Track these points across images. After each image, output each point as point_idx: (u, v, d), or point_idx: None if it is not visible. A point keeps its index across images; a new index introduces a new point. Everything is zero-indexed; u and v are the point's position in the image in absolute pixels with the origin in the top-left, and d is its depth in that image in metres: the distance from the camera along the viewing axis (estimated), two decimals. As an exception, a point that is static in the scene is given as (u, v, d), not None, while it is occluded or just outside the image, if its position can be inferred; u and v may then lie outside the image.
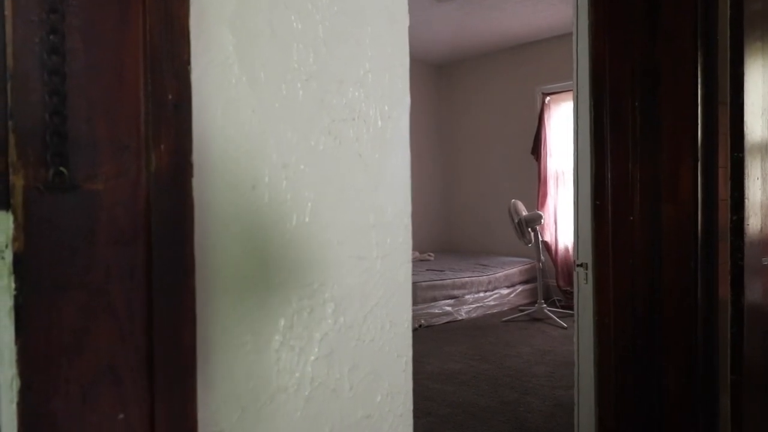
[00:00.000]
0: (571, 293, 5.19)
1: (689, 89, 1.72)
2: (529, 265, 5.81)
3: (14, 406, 0.38)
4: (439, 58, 6.74)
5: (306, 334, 0.59)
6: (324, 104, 0.60)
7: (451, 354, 3.95)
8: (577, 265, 1.94)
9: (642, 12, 1.79)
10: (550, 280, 5.72)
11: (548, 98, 5.82)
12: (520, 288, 5.69)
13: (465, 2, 4.81)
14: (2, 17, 0.38)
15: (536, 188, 5.89)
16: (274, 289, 0.56)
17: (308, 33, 0.58)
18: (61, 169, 0.40)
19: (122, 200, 0.43)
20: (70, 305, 0.41)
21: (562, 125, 5.73)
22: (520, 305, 5.51)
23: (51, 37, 0.40)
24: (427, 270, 5.38)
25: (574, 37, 1.93)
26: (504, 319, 5.00)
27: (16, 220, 0.38)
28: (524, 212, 5.18)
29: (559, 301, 5.40)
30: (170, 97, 0.45)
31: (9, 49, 0.38)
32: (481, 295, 5.29)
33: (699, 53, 1.71)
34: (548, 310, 4.99)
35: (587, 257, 1.90)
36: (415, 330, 4.39)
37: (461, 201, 6.91)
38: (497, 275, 5.48)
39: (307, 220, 0.59)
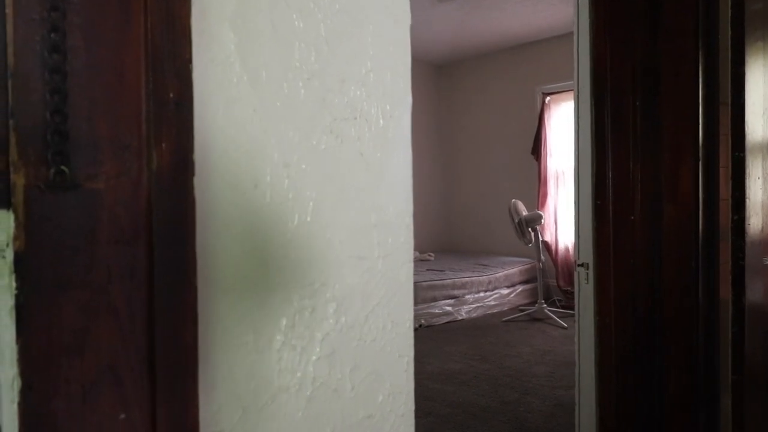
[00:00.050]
0: (572, 293, 5.19)
1: (690, 89, 1.72)
2: (529, 265, 5.81)
3: (15, 406, 0.38)
4: (439, 58, 6.74)
5: (307, 333, 0.59)
6: (326, 103, 0.60)
7: (452, 354, 3.95)
8: (578, 265, 1.94)
9: (643, 11, 1.79)
10: (550, 280, 5.72)
11: (548, 98, 5.82)
12: (520, 288, 5.68)
13: (465, 2, 4.81)
14: (3, 15, 0.38)
15: (536, 188, 5.89)
16: (276, 289, 0.56)
17: (310, 32, 0.58)
18: (62, 168, 0.40)
19: (123, 199, 0.43)
20: (71, 305, 0.40)
21: (562, 125, 5.73)
22: (521, 305, 5.51)
23: (52, 35, 0.39)
24: (428, 270, 5.38)
25: (574, 37, 1.93)
26: (504, 319, 5.00)
27: (17, 219, 0.38)
28: (524, 212, 5.18)
29: (560, 301, 5.40)
30: (171, 95, 0.45)
31: (10, 48, 0.38)
32: (482, 295, 5.29)
33: (700, 53, 1.70)
34: (548, 310, 4.98)
35: (588, 257, 1.90)
36: (415, 330, 4.39)
37: (461, 201, 6.91)
38: (497, 275, 5.48)
39: (308, 219, 0.58)
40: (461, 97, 6.86)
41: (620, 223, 1.83)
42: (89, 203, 0.41)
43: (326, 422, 0.61)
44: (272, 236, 0.56)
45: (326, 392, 0.61)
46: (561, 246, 5.71)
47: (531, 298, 5.64)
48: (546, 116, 5.82)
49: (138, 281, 0.44)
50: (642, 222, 1.79)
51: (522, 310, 5.23)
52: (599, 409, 1.89)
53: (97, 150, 0.41)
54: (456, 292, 5.09)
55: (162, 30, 0.45)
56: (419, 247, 6.36)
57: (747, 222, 1.57)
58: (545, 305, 5.09)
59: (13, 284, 0.38)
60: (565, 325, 4.65)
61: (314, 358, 0.59)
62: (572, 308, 4.08)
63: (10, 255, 0.38)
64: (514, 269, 5.70)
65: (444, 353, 3.97)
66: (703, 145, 1.71)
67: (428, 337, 4.40)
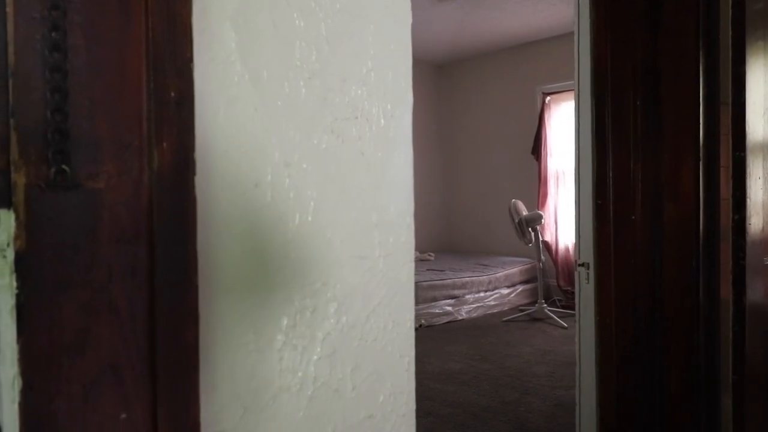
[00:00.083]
0: (572, 293, 5.19)
1: (691, 88, 1.72)
2: (529, 265, 5.81)
3: (16, 406, 0.38)
4: (439, 58, 6.74)
5: (309, 333, 0.59)
6: (326, 102, 0.60)
7: (452, 354, 3.95)
8: (579, 265, 1.94)
9: (643, 11, 1.79)
10: (550, 279, 5.72)
11: (548, 98, 5.82)
12: (520, 288, 5.68)
13: (465, 2, 4.81)
14: (3, 14, 0.38)
15: (536, 188, 5.89)
16: (277, 288, 0.56)
17: (311, 31, 0.58)
18: (63, 167, 0.40)
19: (124, 198, 0.43)
20: (71, 304, 0.40)
21: (562, 125, 5.73)
22: (521, 305, 5.50)
23: (53, 34, 0.39)
24: (428, 270, 5.38)
25: (575, 36, 1.93)
26: (504, 318, 5.00)
27: (17, 218, 0.38)
28: (524, 212, 5.18)
29: (560, 300, 5.40)
30: (173, 94, 0.45)
31: (10, 47, 0.38)
32: (482, 294, 5.28)
33: (701, 52, 1.70)
34: (549, 310, 4.98)
35: (589, 257, 1.90)
36: (415, 330, 4.38)
37: (461, 201, 6.91)
38: (497, 275, 5.48)
39: (309, 219, 0.58)
40: (461, 97, 6.86)
41: (621, 222, 1.83)
42: (90, 202, 0.41)
43: (327, 422, 0.60)
44: (273, 236, 0.56)
45: (327, 392, 0.60)
46: (561, 246, 5.71)
47: (531, 297, 5.64)
48: (546, 116, 5.81)
49: (139, 280, 0.43)
50: (643, 222, 1.79)
51: (522, 310, 5.23)
52: (600, 408, 1.89)
53: (97, 149, 0.41)
54: (456, 292, 5.09)
55: (163, 29, 0.45)
56: (419, 247, 6.35)
57: (748, 222, 1.57)
58: (545, 305, 5.09)
59: (14, 284, 0.38)
60: (566, 324, 4.65)
61: (315, 357, 0.59)
62: (572, 308, 4.07)
63: (10, 254, 0.38)
64: (514, 269, 5.70)
65: (444, 353, 3.96)
66: (703, 144, 1.71)
67: (428, 337, 4.40)
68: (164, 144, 0.44)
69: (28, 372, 0.38)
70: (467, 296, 5.15)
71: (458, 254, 6.57)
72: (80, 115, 0.41)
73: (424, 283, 4.87)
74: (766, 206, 1.61)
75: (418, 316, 4.67)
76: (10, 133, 0.38)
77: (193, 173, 0.46)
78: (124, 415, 0.43)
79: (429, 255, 6.21)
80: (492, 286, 5.40)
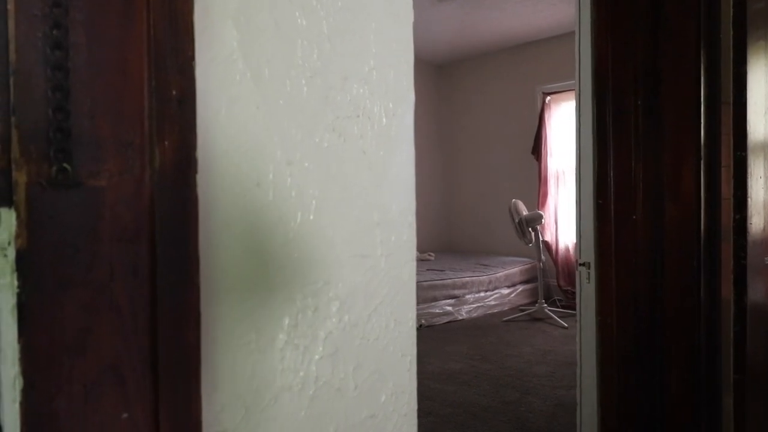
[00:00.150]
0: (572, 293, 5.19)
1: (692, 88, 1.72)
2: (529, 265, 5.81)
3: (17, 405, 0.38)
4: (439, 58, 6.73)
5: (310, 332, 0.58)
6: (328, 101, 0.59)
7: (452, 354, 3.95)
8: (580, 264, 1.93)
9: (644, 11, 1.78)
10: (550, 279, 5.72)
11: (548, 98, 5.82)
12: (520, 288, 5.68)
13: (465, 2, 4.81)
14: (5, 12, 0.38)
15: (537, 188, 5.89)
16: (278, 288, 0.56)
17: (312, 29, 0.58)
18: (65, 165, 0.40)
19: (126, 197, 0.42)
20: (73, 303, 0.40)
21: (562, 125, 5.73)
22: (521, 305, 5.50)
23: (54, 31, 0.39)
24: (428, 270, 5.38)
25: (576, 36, 1.93)
26: (505, 318, 4.99)
27: (18, 216, 0.38)
28: (525, 212, 5.17)
29: (560, 300, 5.40)
30: (174, 93, 0.45)
31: (11, 45, 0.38)
32: (482, 294, 5.28)
33: (702, 52, 1.70)
34: (549, 310, 4.98)
35: (590, 256, 1.90)
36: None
37: (462, 201, 6.91)
38: (498, 275, 5.47)
39: (311, 217, 0.58)
40: (461, 97, 6.86)
41: (622, 222, 1.83)
42: (91, 201, 0.41)
43: (329, 422, 0.60)
44: (275, 235, 0.55)
45: (329, 391, 0.60)
46: (561, 246, 5.70)
47: (531, 297, 5.64)
48: (546, 116, 5.81)
49: (140, 280, 0.43)
50: (644, 221, 1.79)
51: (522, 310, 5.22)
52: (601, 408, 1.89)
53: (99, 147, 0.41)
54: (456, 292, 5.09)
55: (165, 27, 0.44)
56: (419, 247, 6.35)
57: (749, 221, 1.57)
58: (546, 305, 5.08)
59: (15, 283, 0.37)
60: (566, 324, 4.65)
61: (317, 357, 0.59)
62: (572, 308, 4.07)
63: (11, 253, 0.38)
64: (514, 269, 5.69)
65: (444, 353, 3.96)
66: (704, 144, 1.70)
67: (429, 337, 4.39)
68: (166, 142, 0.44)
69: (29, 371, 0.38)
70: (467, 296, 5.15)
71: (458, 254, 6.57)
72: (81, 114, 0.40)
73: (425, 283, 4.87)
74: (767, 206, 1.61)
75: (418, 316, 4.67)
76: (11, 132, 0.38)
77: (195, 172, 0.46)
78: (125, 415, 0.42)
79: (429, 255, 6.21)
80: (492, 286, 5.40)
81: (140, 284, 0.43)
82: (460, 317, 4.98)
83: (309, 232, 0.58)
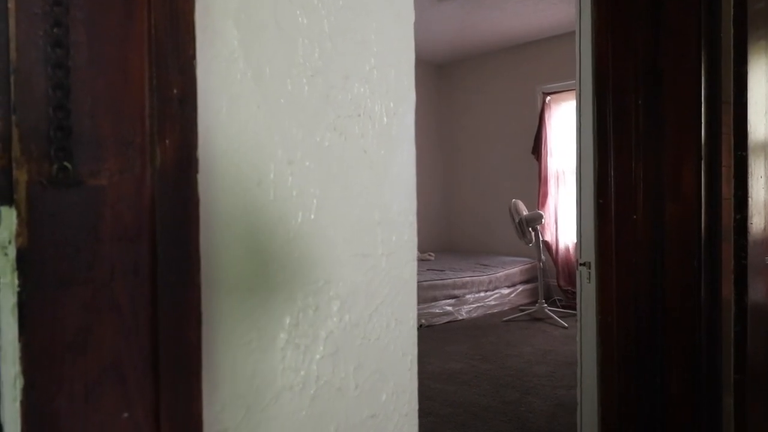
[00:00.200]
0: (572, 293, 5.19)
1: (692, 88, 1.72)
2: (529, 265, 5.81)
3: (17, 405, 0.37)
4: (439, 58, 6.73)
5: (311, 332, 0.58)
6: (329, 100, 0.59)
7: (452, 354, 3.95)
8: (580, 264, 1.93)
9: (645, 10, 1.78)
10: (550, 279, 5.72)
11: (549, 98, 5.82)
12: (520, 288, 5.68)
13: (465, 2, 4.81)
14: (5, 10, 0.37)
15: (537, 188, 5.88)
16: (279, 287, 0.56)
17: (313, 28, 0.58)
18: (65, 164, 0.40)
19: (126, 196, 0.42)
20: (73, 302, 0.40)
21: (562, 125, 5.73)
22: (521, 305, 5.50)
23: (55, 30, 0.39)
24: (428, 270, 5.38)
25: (576, 35, 1.93)
26: (505, 318, 4.99)
27: (19, 215, 0.37)
28: (525, 212, 5.17)
29: (560, 300, 5.40)
30: (175, 92, 0.45)
31: (12, 43, 0.38)
32: (482, 294, 5.28)
33: (702, 52, 1.70)
34: (549, 310, 4.98)
35: (590, 256, 1.90)
36: (416, 330, 4.38)
37: (462, 201, 6.91)
38: (498, 275, 5.47)
39: (312, 217, 0.58)
40: (462, 97, 6.86)
41: (622, 222, 1.82)
42: (92, 200, 0.41)
43: (330, 421, 0.60)
44: (275, 234, 0.55)
45: (330, 391, 0.60)
46: (561, 246, 5.70)
47: (531, 297, 5.64)
48: (546, 116, 5.81)
49: (141, 279, 0.43)
50: (644, 221, 1.79)
51: (522, 310, 5.22)
52: (601, 408, 1.89)
53: (100, 146, 0.41)
54: (456, 292, 5.09)
55: (166, 26, 0.44)
56: (419, 247, 6.35)
57: (749, 221, 1.57)
58: (546, 305, 5.08)
59: (16, 281, 0.37)
60: (566, 324, 4.65)
61: (318, 356, 0.59)
62: (573, 308, 4.07)
63: (12, 252, 0.37)
64: (514, 269, 5.69)
65: (445, 353, 3.96)
66: (705, 144, 1.70)
67: (429, 336, 4.39)
68: (167, 141, 0.44)
69: (30, 370, 0.38)
70: (467, 296, 5.15)
71: (458, 254, 6.57)
72: (82, 112, 0.40)
73: (425, 283, 4.87)
74: (768, 206, 1.61)
75: (418, 316, 4.66)
76: (12, 130, 0.38)
77: (196, 171, 0.46)
78: (126, 414, 0.42)
79: (429, 255, 6.21)
80: (492, 286, 5.40)
81: (141, 283, 0.43)
82: (460, 317, 4.98)
83: (310, 231, 0.58)
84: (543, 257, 5.20)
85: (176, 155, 0.45)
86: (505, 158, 6.37)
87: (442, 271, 5.37)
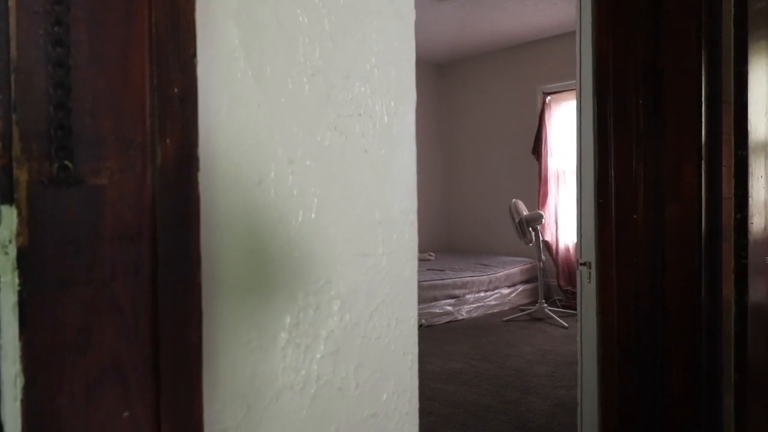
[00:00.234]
0: (572, 293, 5.19)
1: (693, 88, 1.72)
2: (529, 265, 5.81)
3: (18, 404, 0.37)
4: (439, 58, 6.73)
5: (312, 331, 0.58)
6: (330, 99, 0.59)
7: (452, 354, 3.95)
8: (581, 264, 1.93)
9: (645, 10, 1.78)
10: (550, 279, 5.72)
11: (549, 98, 5.82)
12: (520, 287, 5.68)
13: (466, 1, 4.80)
14: (6, 8, 0.37)
15: (537, 188, 5.88)
16: (280, 286, 0.56)
17: (314, 27, 0.58)
18: (66, 163, 0.39)
19: (127, 195, 0.42)
20: (74, 301, 0.40)
21: (562, 125, 5.73)
22: (521, 305, 5.50)
23: (55, 28, 0.39)
24: (428, 270, 5.38)
25: (577, 35, 1.93)
26: (505, 318, 4.99)
27: (20, 214, 0.37)
28: (525, 212, 5.17)
29: (560, 300, 5.40)
30: (176, 90, 0.45)
31: (13, 42, 0.38)
32: (482, 294, 5.28)
33: (703, 51, 1.70)
34: (549, 310, 4.98)
35: (590, 256, 1.89)
36: (416, 329, 4.37)
37: (462, 200, 6.91)
38: (498, 275, 5.47)
39: (312, 216, 0.58)
40: (462, 97, 6.86)
41: (623, 221, 1.82)
42: (93, 199, 0.41)
43: (330, 420, 0.60)
44: (277, 233, 0.55)
45: (330, 390, 0.60)
46: (561, 245, 5.70)
47: (531, 297, 5.64)
48: (546, 116, 5.81)
49: (142, 278, 0.43)
50: (645, 221, 1.79)
51: (523, 310, 5.22)
52: (601, 408, 1.89)
53: (100, 145, 0.41)
54: (456, 292, 5.08)
55: (166, 24, 0.44)
56: (419, 247, 6.34)
57: (750, 221, 1.57)
58: (546, 305, 5.08)
59: (16, 280, 0.37)
60: (566, 324, 4.65)
61: (318, 356, 0.59)
62: (573, 308, 4.06)
63: (13, 251, 0.37)
64: (514, 269, 5.69)
65: (445, 353, 3.96)
66: (705, 143, 1.70)
67: (429, 336, 4.39)
68: (167, 140, 0.44)
69: (31, 369, 0.38)
70: (468, 296, 5.15)
71: (458, 254, 6.56)
72: (83, 111, 0.40)
73: (425, 283, 4.87)
74: (769, 205, 1.61)
75: (418, 316, 4.66)
76: (13, 129, 0.38)
77: (197, 170, 0.46)
78: (126, 414, 0.42)
79: (429, 255, 6.21)
80: (492, 286, 5.40)
81: (141, 283, 0.43)
82: (461, 317, 4.98)
83: (310, 230, 0.58)
84: (543, 257, 5.20)
85: (177, 154, 0.45)
86: (505, 158, 6.37)
87: (442, 271, 5.37)
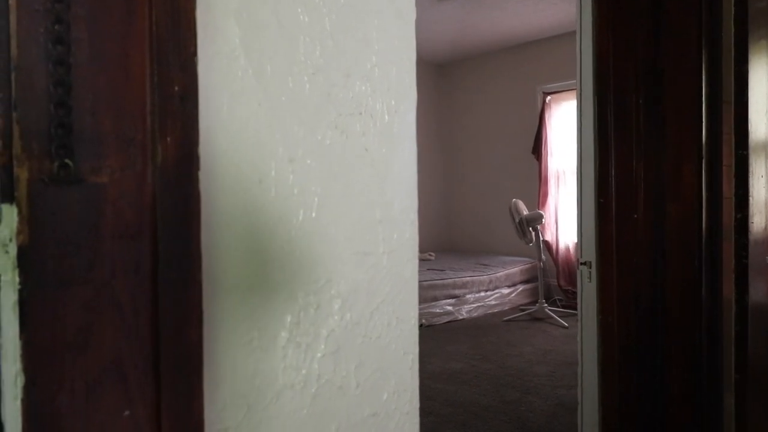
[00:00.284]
0: (572, 292, 5.19)
1: (693, 87, 1.71)
2: (529, 265, 5.80)
3: (18, 403, 0.37)
4: (440, 58, 6.73)
5: (312, 330, 0.58)
6: (331, 98, 0.59)
7: (453, 353, 3.95)
8: (581, 264, 1.93)
9: (646, 9, 1.78)
10: (551, 279, 5.72)
11: (549, 97, 5.82)
12: (521, 287, 5.68)
13: (466, 1, 4.80)
14: (6, 7, 0.37)
15: (537, 187, 5.88)
16: (280, 286, 0.56)
17: (315, 26, 0.58)
18: (66, 161, 0.39)
19: (128, 193, 0.42)
20: (74, 300, 0.40)
21: (562, 125, 5.73)
22: (521, 305, 5.50)
23: (56, 26, 0.39)
24: (428, 269, 5.38)
25: (577, 35, 1.93)
26: (505, 318, 4.99)
27: (20, 213, 0.37)
28: (525, 211, 5.17)
29: (560, 300, 5.40)
30: (176, 89, 0.45)
31: (13, 40, 0.38)
32: (482, 294, 5.28)
33: (703, 51, 1.70)
34: (549, 310, 4.98)
35: (591, 255, 1.89)
36: (416, 329, 4.37)
37: (462, 200, 6.91)
38: (498, 275, 5.47)
39: (313, 215, 0.58)
40: (462, 97, 6.86)
41: (623, 221, 1.82)
42: (93, 197, 0.41)
43: (331, 420, 0.60)
44: (277, 232, 0.55)
45: (331, 390, 0.60)
46: (562, 245, 5.70)
47: (532, 297, 5.64)
48: (546, 115, 5.81)
49: (142, 277, 0.43)
50: (645, 220, 1.79)
51: (523, 310, 5.22)
52: (602, 408, 1.89)
53: (101, 143, 0.41)
54: (457, 292, 5.08)
55: (167, 23, 0.44)
56: (419, 247, 6.35)
57: (750, 220, 1.57)
58: (546, 305, 5.08)
59: (17, 279, 0.37)
60: (566, 324, 4.65)
61: (319, 355, 0.59)
62: (573, 308, 4.05)
63: (13, 249, 0.37)
64: (514, 269, 5.69)
65: (445, 353, 3.96)
66: (706, 143, 1.70)
67: (429, 336, 4.39)
68: (168, 139, 0.44)
69: (31, 368, 0.38)
70: (468, 296, 5.15)
71: (458, 254, 6.56)
72: (83, 109, 0.40)
73: (425, 283, 4.87)
74: (769, 205, 1.61)
75: (419, 316, 4.66)
76: (13, 127, 0.37)
77: (197, 168, 0.46)
78: (127, 413, 0.42)
79: (429, 254, 6.21)
80: (492, 286, 5.40)
81: (142, 281, 0.43)
82: (461, 317, 4.97)
83: (311, 229, 0.58)
84: (543, 257, 5.20)
85: (177, 152, 0.45)
86: (505, 158, 6.37)
87: (442, 270, 5.37)
